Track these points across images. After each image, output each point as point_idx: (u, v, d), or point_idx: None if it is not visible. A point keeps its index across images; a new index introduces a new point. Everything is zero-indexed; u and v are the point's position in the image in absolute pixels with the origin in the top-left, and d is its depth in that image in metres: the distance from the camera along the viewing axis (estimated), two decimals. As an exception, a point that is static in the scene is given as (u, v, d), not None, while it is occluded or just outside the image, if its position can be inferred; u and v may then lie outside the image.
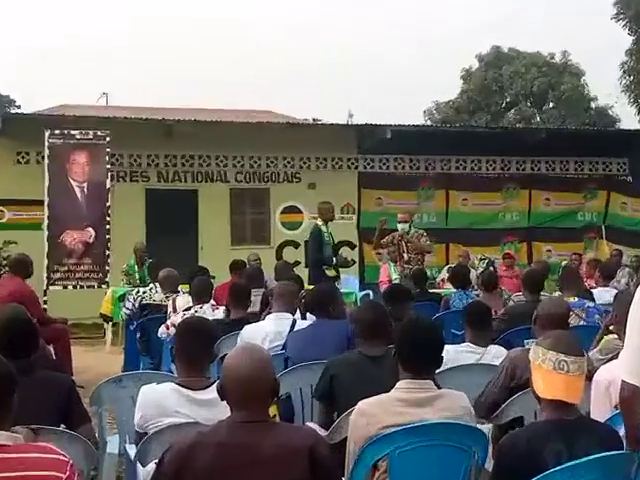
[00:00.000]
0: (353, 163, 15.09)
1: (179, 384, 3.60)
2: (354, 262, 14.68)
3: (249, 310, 7.00)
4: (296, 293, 5.92)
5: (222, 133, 13.95)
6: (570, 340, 3.12)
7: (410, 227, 10.71)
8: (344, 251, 14.46)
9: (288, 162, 14.74)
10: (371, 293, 11.57)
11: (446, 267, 13.14)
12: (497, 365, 4.51)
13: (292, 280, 6.71)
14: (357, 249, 15.02)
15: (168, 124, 13.58)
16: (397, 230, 10.72)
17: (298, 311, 6.02)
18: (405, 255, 10.58)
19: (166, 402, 3.55)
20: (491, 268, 11.14)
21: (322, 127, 15.58)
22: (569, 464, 2.83)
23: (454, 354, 4.85)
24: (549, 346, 3.06)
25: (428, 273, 14.18)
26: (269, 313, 5.82)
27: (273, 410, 4.65)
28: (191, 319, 4.37)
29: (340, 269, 10.53)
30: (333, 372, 4.06)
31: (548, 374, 3.02)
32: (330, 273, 9.99)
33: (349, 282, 12.18)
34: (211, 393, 3.44)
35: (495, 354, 4.98)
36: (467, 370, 4.76)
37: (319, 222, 10.28)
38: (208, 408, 3.49)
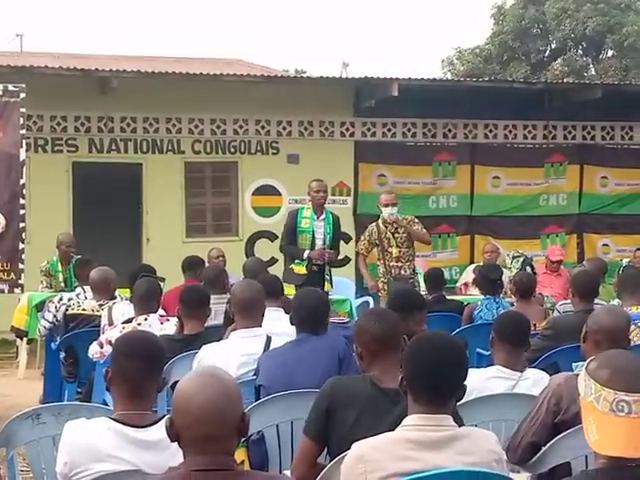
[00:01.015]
0: (348, 129, 15.10)
1: (116, 420, 3.60)
2: (348, 260, 14.73)
3: (209, 323, 7.02)
4: (264, 298, 5.90)
5: (175, 89, 13.92)
6: (632, 369, 3.11)
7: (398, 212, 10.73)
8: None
9: (262, 127, 14.73)
10: (371, 300, 11.60)
11: (471, 267, 13.18)
12: (536, 395, 4.52)
13: (267, 282, 6.71)
14: (353, 242, 15.02)
15: (103, 76, 13.53)
16: (377, 218, 10.80)
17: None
18: (393, 250, 10.58)
19: (99, 443, 3.54)
20: (528, 268, 11.17)
21: (307, 81, 15.59)
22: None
23: (481, 381, 4.86)
24: (605, 381, 3.05)
25: (446, 274, 14.40)
26: (234, 329, 5.82)
27: (241, 455, 4.70)
28: (132, 334, 4.35)
29: (333, 268, 10.53)
30: (331, 405, 4.02)
31: (603, 418, 3.01)
32: (298, 270, 9.97)
33: (343, 286, 12.20)
34: (158, 432, 3.43)
35: (534, 381, 5.00)
36: (496, 402, 4.77)
37: (307, 205, 10.31)
38: (154, 452, 3.48)
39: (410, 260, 10.69)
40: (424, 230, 10.97)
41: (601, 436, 3.00)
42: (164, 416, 3.53)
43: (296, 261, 10.04)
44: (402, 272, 10.47)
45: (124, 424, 3.56)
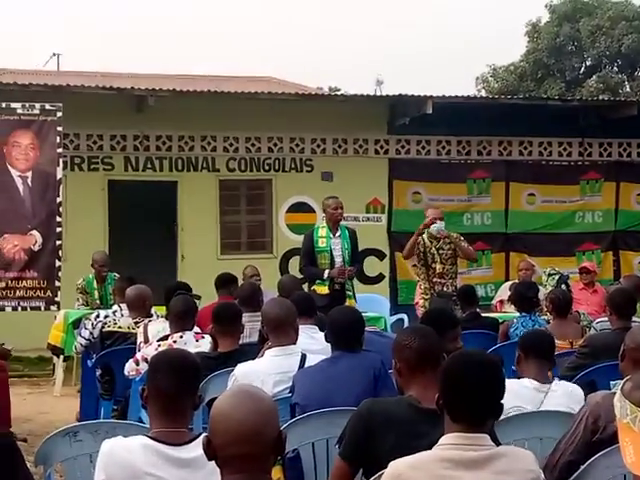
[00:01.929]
0: (382, 147, 15.11)
1: (152, 438, 3.60)
2: (382, 277, 14.72)
3: (244, 341, 7.03)
4: (296, 315, 5.89)
5: (210, 107, 13.99)
6: None
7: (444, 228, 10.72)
8: (370, 262, 14.50)
9: (297, 145, 14.77)
10: (406, 318, 11.56)
11: (506, 284, 13.11)
12: (569, 411, 4.49)
13: (301, 299, 6.71)
14: (387, 259, 15.01)
15: (139, 95, 13.63)
16: (411, 235, 10.81)
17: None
18: (437, 266, 10.55)
19: (136, 461, 3.54)
20: (563, 286, 11.11)
21: (342, 99, 15.62)
22: None
23: (516, 388, 4.83)
24: (639, 401, 3.03)
25: (481, 291, 14.34)
26: (270, 347, 5.81)
27: (277, 473, 4.69)
28: (168, 352, 4.35)
29: (363, 285, 10.52)
30: (369, 429, 3.96)
31: (639, 439, 2.99)
32: (320, 290, 9.86)
33: (377, 303, 12.17)
34: (195, 450, 3.42)
35: (564, 392, 5.05)
36: (531, 419, 4.74)
37: (321, 223, 10.31)
38: (191, 470, 3.47)
39: (453, 277, 10.67)
40: (470, 247, 10.99)
41: (638, 457, 2.97)
42: (201, 434, 3.53)
43: (317, 282, 9.98)
44: (444, 289, 10.40)
45: (160, 442, 3.56)
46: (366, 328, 5.92)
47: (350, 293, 10.10)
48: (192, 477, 3.44)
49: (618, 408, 3.10)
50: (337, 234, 10.13)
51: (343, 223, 10.44)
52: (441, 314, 5.91)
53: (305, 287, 10.23)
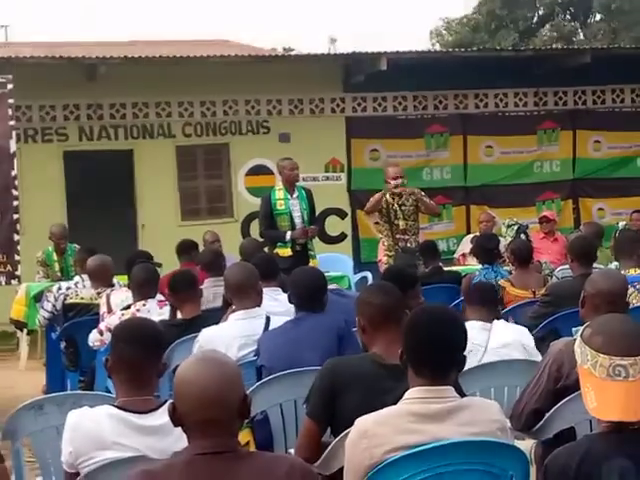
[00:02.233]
0: (339, 105, 15.06)
1: (118, 407, 3.60)
2: (345, 236, 14.74)
3: (208, 306, 7.03)
4: (258, 277, 5.90)
5: (163, 73, 13.87)
6: (627, 332, 3.10)
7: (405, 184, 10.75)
8: (332, 221, 14.52)
9: (252, 107, 14.69)
10: (369, 276, 11.60)
11: (468, 237, 13.18)
12: (530, 359, 4.55)
13: (263, 262, 6.72)
14: (349, 218, 15.03)
15: (91, 64, 13.49)
16: (374, 193, 10.83)
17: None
18: (400, 222, 10.57)
19: (102, 431, 3.55)
20: (523, 236, 11.19)
21: (296, 59, 15.56)
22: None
23: None
24: (600, 347, 3.06)
25: (443, 246, 14.42)
26: (234, 311, 5.82)
27: (245, 436, 4.71)
28: (130, 320, 4.35)
29: (326, 245, 10.53)
30: (335, 387, 3.99)
31: (601, 384, 3.03)
32: (283, 253, 9.82)
33: (340, 262, 12.21)
34: (161, 417, 3.44)
35: (506, 325, 5.58)
36: (495, 369, 4.81)
37: (278, 185, 10.28)
38: (158, 437, 3.49)
39: (416, 233, 10.70)
40: (432, 202, 11.05)
41: (600, 402, 3.02)
42: (166, 401, 3.54)
43: (279, 244, 9.96)
44: (408, 245, 10.42)
45: (127, 411, 3.57)
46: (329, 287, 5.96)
47: (313, 253, 10.12)
48: (159, 444, 3.46)
49: (579, 354, 3.14)
50: (294, 195, 10.10)
51: (299, 184, 10.43)
52: (400, 272, 5.98)
53: (266, 250, 10.23)
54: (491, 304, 5.77)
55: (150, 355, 3.70)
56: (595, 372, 3.05)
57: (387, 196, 10.61)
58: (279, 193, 10.09)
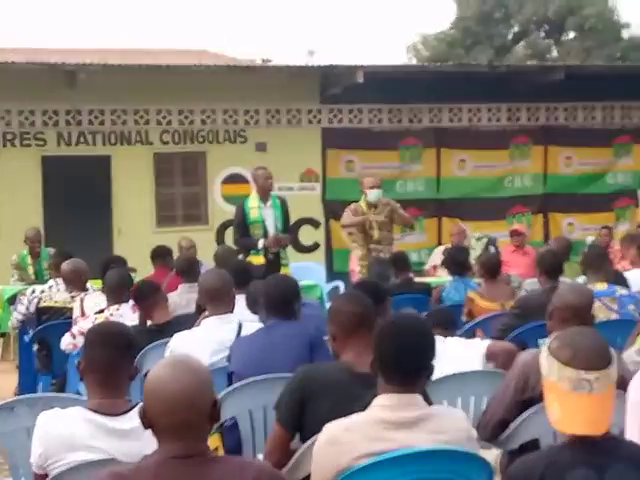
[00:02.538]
0: (315, 116, 15.08)
1: (90, 409, 3.59)
2: (317, 245, 14.77)
3: (183, 312, 7.02)
4: (232, 284, 5.89)
5: (142, 80, 13.85)
6: (593, 347, 3.13)
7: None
8: (306, 231, 14.53)
9: (230, 116, 14.69)
10: (342, 285, 11.60)
11: (439, 249, 13.21)
12: (499, 371, 4.57)
13: (237, 269, 6.73)
14: (322, 228, 15.04)
15: (70, 70, 13.43)
16: (348, 204, 10.84)
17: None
18: (375, 232, 10.58)
19: (73, 433, 3.53)
20: (492, 248, 11.25)
21: (273, 70, 15.52)
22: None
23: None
24: (566, 360, 3.08)
25: (415, 257, 14.46)
26: (207, 316, 5.82)
27: (215, 441, 4.70)
28: (102, 324, 4.33)
29: (299, 254, 10.52)
30: (305, 394, 3.99)
31: (565, 396, 3.05)
32: (256, 261, 9.74)
33: (313, 271, 12.21)
34: (132, 420, 3.44)
35: (458, 340, 5.65)
36: (464, 379, 4.82)
37: (252, 194, 10.27)
38: (129, 440, 3.48)
39: (389, 244, 10.73)
40: (406, 213, 11.09)
41: (564, 414, 3.04)
42: (137, 404, 3.53)
43: (252, 252, 9.94)
44: (381, 255, 10.41)
45: (98, 413, 3.57)
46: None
47: (285, 262, 10.11)
48: (130, 447, 3.45)
49: (545, 366, 3.16)
50: (268, 204, 10.09)
51: (274, 192, 10.43)
52: (370, 287, 5.97)
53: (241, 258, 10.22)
54: (447, 325, 5.92)
55: (122, 358, 3.71)
56: (560, 384, 3.07)
57: (363, 206, 10.62)
58: (253, 202, 10.08)
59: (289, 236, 10.22)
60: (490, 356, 5.47)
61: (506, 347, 5.64)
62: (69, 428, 3.55)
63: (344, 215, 10.87)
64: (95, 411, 3.58)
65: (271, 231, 9.98)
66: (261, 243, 9.87)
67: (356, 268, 10.67)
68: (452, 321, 6.15)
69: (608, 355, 3.13)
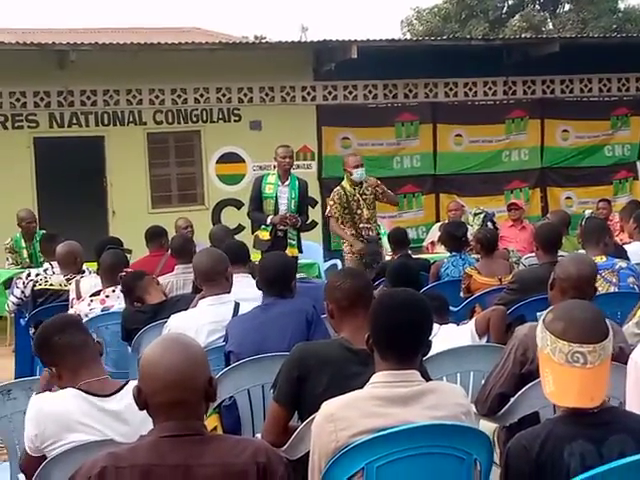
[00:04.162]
0: (309, 93, 15.04)
1: (81, 389, 3.61)
2: (315, 224, 14.75)
3: (180, 292, 7.03)
4: (227, 263, 5.87)
5: (134, 60, 13.79)
6: (588, 320, 3.13)
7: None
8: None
9: (223, 95, 14.65)
10: (339, 263, 11.60)
11: (436, 225, 13.22)
12: (497, 345, 4.57)
13: (233, 248, 6.73)
14: (319, 206, 15.02)
15: (61, 50, 13.40)
16: (341, 181, 10.73)
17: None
18: (364, 211, 10.52)
19: (68, 411, 3.55)
20: (489, 224, 11.23)
21: (267, 47, 15.49)
22: (601, 469, 2.87)
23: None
24: (560, 333, 3.09)
25: (412, 234, 14.46)
26: (203, 297, 5.81)
27: (213, 421, 4.72)
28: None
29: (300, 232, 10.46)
30: (302, 372, 3.98)
31: (559, 369, 3.06)
32: (262, 236, 9.94)
33: (311, 250, 12.21)
34: (122, 400, 3.48)
35: (452, 329, 5.57)
36: (462, 354, 4.82)
37: (272, 170, 10.29)
38: (121, 421, 3.50)
39: (376, 221, 10.70)
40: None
41: (557, 387, 3.05)
42: (127, 382, 3.57)
43: (261, 227, 10.04)
44: (370, 233, 10.41)
45: (89, 394, 3.59)
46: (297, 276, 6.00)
47: (293, 242, 10.08)
48: (123, 428, 3.46)
49: (539, 339, 3.16)
50: (286, 183, 10.14)
51: (295, 173, 10.44)
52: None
53: (249, 232, 10.29)
54: (440, 311, 5.71)
55: (78, 339, 3.79)
56: (554, 357, 3.08)
57: (347, 187, 10.51)
58: (271, 178, 10.18)
59: (300, 217, 10.19)
60: (478, 328, 5.50)
61: (487, 313, 5.69)
62: (63, 407, 3.57)
63: (330, 209, 10.58)
64: (86, 392, 3.60)
65: (282, 209, 10.04)
66: (269, 219, 9.94)
67: (346, 248, 10.59)
68: (445, 306, 6.06)
69: (604, 328, 3.13)
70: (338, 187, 10.63)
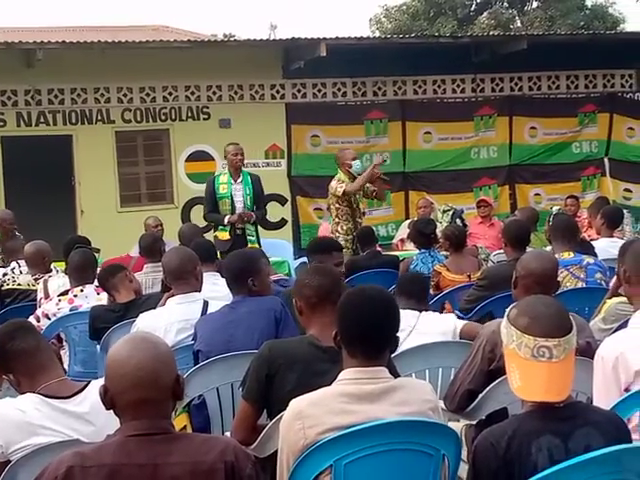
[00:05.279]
0: (278, 91, 15.03)
1: (40, 394, 3.59)
2: (285, 222, 14.74)
3: (148, 291, 6.99)
4: (197, 262, 5.85)
5: (102, 58, 13.74)
6: (552, 314, 3.15)
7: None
8: (272, 207, 14.51)
9: (192, 93, 14.61)
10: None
11: (406, 222, 13.24)
12: (465, 342, 4.58)
13: (201, 247, 6.71)
14: (289, 204, 15.02)
15: (28, 49, 13.34)
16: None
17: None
18: (360, 206, 10.54)
19: (29, 417, 3.53)
20: (458, 221, 11.26)
21: (236, 45, 15.48)
22: (568, 463, 2.88)
23: None
24: (525, 328, 3.10)
25: (382, 231, 14.49)
26: (171, 295, 5.79)
27: (182, 420, 4.71)
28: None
29: (266, 231, 10.47)
30: (270, 370, 3.97)
31: (525, 364, 3.07)
32: (222, 236, 9.91)
33: (280, 248, 12.20)
34: (84, 402, 3.47)
35: (434, 316, 5.60)
36: (431, 350, 4.83)
37: (223, 170, 10.26)
38: (84, 422, 3.49)
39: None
40: None
41: (524, 382, 3.06)
42: (89, 382, 3.55)
43: (219, 228, 10.01)
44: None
45: (48, 397, 3.57)
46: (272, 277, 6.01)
47: (253, 238, 10.08)
48: (87, 429, 3.45)
49: (504, 334, 3.17)
50: (238, 180, 10.10)
51: (246, 170, 10.40)
52: (326, 239, 6.15)
53: (210, 233, 10.24)
54: (420, 295, 5.81)
55: (31, 343, 3.76)
56: (520, 352, 3.09)
57: (346, 179, 10.37)
58: (223, 177, 10.14)
59: (256, 212, 10.16)
60: (465, 337, 5.49)
61: (478, 329, 5.68)
62: (24, 413, 3.54)
63: (344, 186, 10.24)
64: (45, 395, 3.58)
65: (239, 207, 9.99)
66: (226, 219, 9.90)
67: (338, 227, 10.41)
68: (427, 289, 6.11)
69: (567, 322, 3.15)
70: (335, 180, 10.41)
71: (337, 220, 10.37)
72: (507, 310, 3.26)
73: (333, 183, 10.40)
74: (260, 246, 10.06)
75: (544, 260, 4.82)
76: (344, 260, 6.29)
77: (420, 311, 5.54)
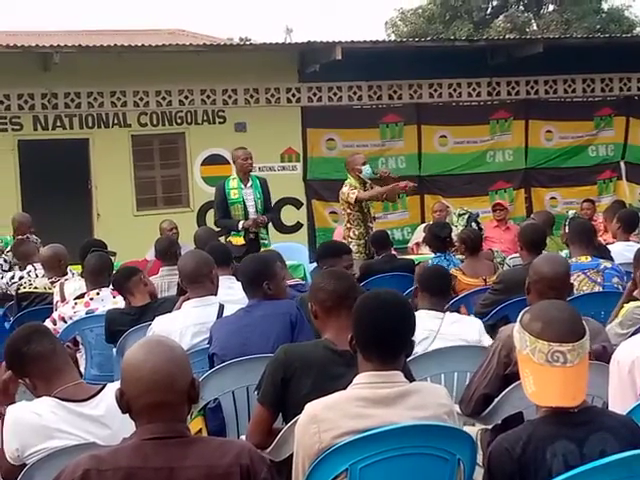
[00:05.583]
0: (294, 95, 15.05)
1: (56, 397, 3.60)
2: (300, 225, 14.75)
3: (164, 294, 7.01)
4: (212, 266, 5.86)
5: (118, 62, 13.78)
6: (566, 319, 3.14)
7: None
8: (288, 211, 14.53)
9: (208, 97, 14.64)
10: (325, 265, 11.54)
11: (421, 226, 13.21)
12: (481, 345, 4.56)
13: (217, 250, 6.72)
14: (304, 208, 15.03)
15: (45, 53, 13.38)
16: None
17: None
18: (372, 210, 10.52)
19: (45, 421, 3.53)
20: (473, 225, 11.22)
21: (251, 49, 15.48)
22: (583, 468, 2.87)
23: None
24: (538, 333, 3.09)
25: (398, 235, 14.47)
26: (187, 299, 5.80)
27: (198, 423, 4.71)
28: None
29: (282, 234, 10.46)
30: (286, 374, 3.98)
31: (539, 369, 3.06)
32: (236, 242, 9.83)
33: (296, 252, 12.20)
34: (100, 405, 3.48)
35: (459, 318, 5.48)
36: (446, 354, 4.82)
37: (232, 175, 10.25)
38: (99, 425, 3.49)
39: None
40: None
41: (538, 387, 3.05)
42: (105, 385, 3.56)
43: (232, 233, 9.98)
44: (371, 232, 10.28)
45: (65, 400, 3.57)
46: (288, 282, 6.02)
47: (266, 242, 10.09)
48: (103, 432, 3.45)
49: (518, 340, 3.16)
50: (248, 184, 10.09)
51: (254, 173, 10.39)
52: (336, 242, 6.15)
53: (222, 239, 10.20)
54: (444, 292, 5.71)
55: (47, 347, 3.77)
56: (534, 358, 3.08)
57: (356, 185, 10.31)
58: (233, 182, 10.08)
59: (268, 215, 10.17)
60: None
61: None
62: (40, 417, 3.55)
63: (356, 193, 10.10)
64: (61, 399, 3.59)
65: (251, 212, 9.97)
66: (240, 224, 9.88)
67: (354, 247, 10.42)
68: (448, 284, 5.93)
69: (581, 327, 3.14)
70: (347, 186, 10.25)
71: (349, 225, 10.29)
72: (520, 315, 3.25)
73: (344, 189, 10.30)
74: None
75: (555, 264, 4.80)
76: (357, 264, 6.29)
77: (443, 312, 5.48)
